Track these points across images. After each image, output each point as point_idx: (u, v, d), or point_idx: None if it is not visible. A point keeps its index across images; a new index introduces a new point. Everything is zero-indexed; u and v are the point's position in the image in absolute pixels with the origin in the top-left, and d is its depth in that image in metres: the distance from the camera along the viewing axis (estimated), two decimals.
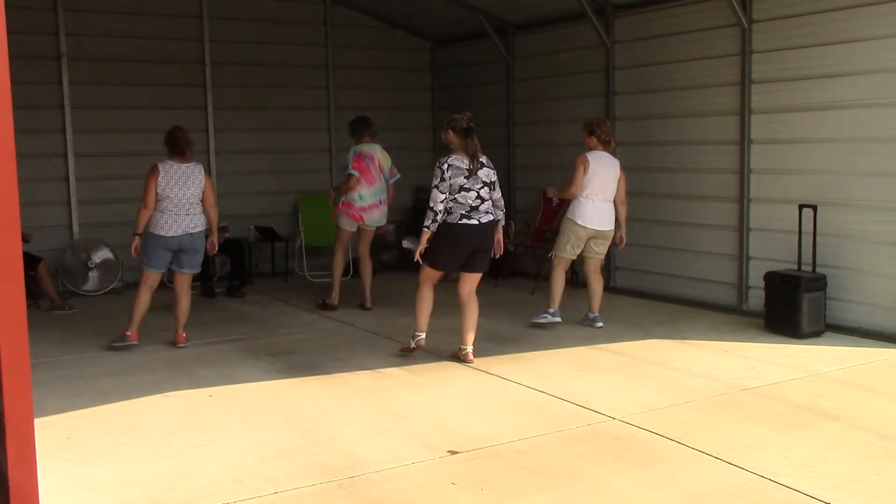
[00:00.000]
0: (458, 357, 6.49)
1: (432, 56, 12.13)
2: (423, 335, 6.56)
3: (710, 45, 8.24)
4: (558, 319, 7.50)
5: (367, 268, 8.56)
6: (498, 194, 6.46)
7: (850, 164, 7.17)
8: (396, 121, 11.47)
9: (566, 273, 7.68)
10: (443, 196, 6.24)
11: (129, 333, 6.94)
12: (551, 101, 10.17)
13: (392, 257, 11.20)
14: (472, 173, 6.27)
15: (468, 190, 6.26)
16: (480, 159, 6.34)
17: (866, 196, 7.05)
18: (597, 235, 7.48)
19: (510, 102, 10.77)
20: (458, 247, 6.37)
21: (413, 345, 6.57)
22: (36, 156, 9.25)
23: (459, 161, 6.28)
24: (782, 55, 7.62)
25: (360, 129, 8.45)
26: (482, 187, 6.31)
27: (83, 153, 9.84)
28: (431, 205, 6.31)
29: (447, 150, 6.47)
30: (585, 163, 7.40)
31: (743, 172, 8.01)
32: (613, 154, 7.64)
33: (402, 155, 10.50)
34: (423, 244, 6.38)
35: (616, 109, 9.31)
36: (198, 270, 7.16)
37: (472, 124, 6.34)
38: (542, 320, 7.49)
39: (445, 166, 6.26)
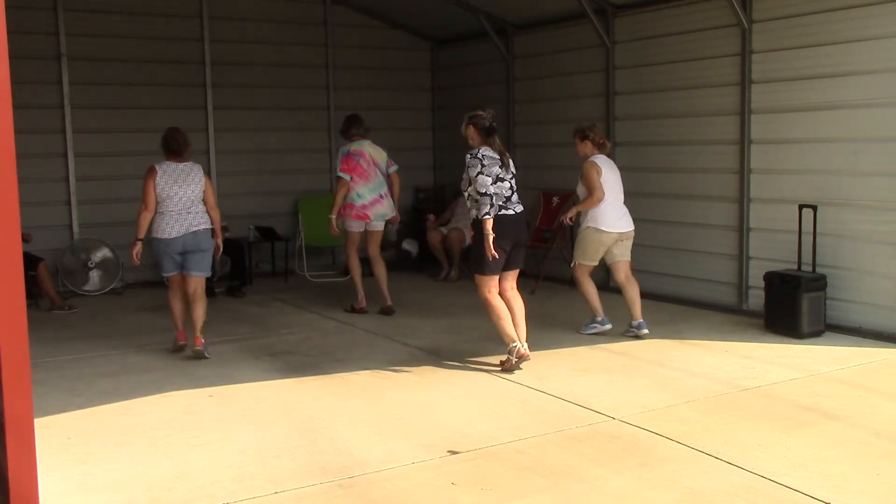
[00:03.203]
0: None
1: (432, 56, 12.13)
2: (518, 343, 6.19)
3: (710, 45, 8.23)
4: (608, 326, 7.28)
5: (380, 268, 8.37)
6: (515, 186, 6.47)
7: (849, 164, 7.16)
8: (396, 121, 11.47)
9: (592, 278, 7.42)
10: (490, 180, 6.12)
11: (177, 336, 6.94)
12: (551, 101, 10.16)
13: (389, 255, 11.17)
14: (505, 165, 6.30)
15: (503, 180, 6.24)
16: (505, 152, 6.40)
17: (866, 196, 7.05)
18: (621, 238, 7.26)
19: (510, 102, 10.76)
20: (503, 239, 6.18)
21: (514, 359, 6.17)
22: (36, 156, 9.26)
23: (491, 152, 6.26)
24: (782, 55, 7.62)
25: (348, 127, 8.42)
26: (512, 178, 6.34)
27: (83, 153, 9.84)
28: (483, 191, 6.10)
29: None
30: (597, 167, 7.18)
31: (743, 172, 8.01)
32: (609, 156, 7.57)
33: (402, 155, 10.49)
34: (491, 233, 6.08)
35: (616, 109, 9.31)
36: (208, 273, 6.91)
37: (495, 123, 6.31)
38: (592, 331, 7.30)
39: (481, 155, 6.19)
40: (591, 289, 7.34)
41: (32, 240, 8.12)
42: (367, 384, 5.97)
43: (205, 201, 6.82)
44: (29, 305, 6.95)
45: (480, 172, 6.13)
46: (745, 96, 7.93)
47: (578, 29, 9.53)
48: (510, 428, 4.97)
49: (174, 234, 6.65)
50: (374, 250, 8.45)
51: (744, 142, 7.98)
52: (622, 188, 7.38)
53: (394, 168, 8.42)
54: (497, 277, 6.30)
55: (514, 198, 6.33)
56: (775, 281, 7.22)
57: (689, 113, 8.52)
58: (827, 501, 3.91)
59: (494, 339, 6.92)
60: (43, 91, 9.55)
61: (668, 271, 8.86)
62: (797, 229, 7.32)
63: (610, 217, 7.20)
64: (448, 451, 4.60)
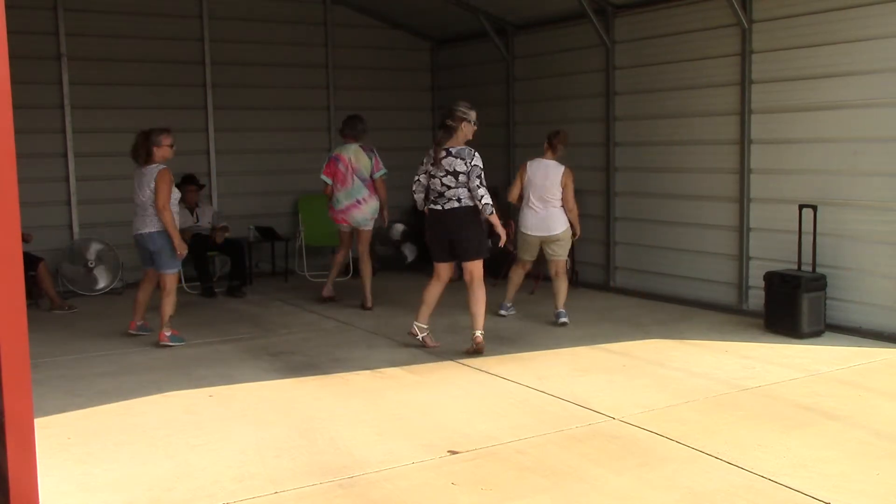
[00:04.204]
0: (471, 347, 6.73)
1: (432, 56, 12.13)
2: (418, 325, 6.86)
3: (710, 45, 8.24)
4: (513, 312, 8.03)
5: (366, 268, 8.58)
6: (474, 183, 6.59)
7: (849, 164, 7.16)
8: (396, 121, 11.48)
9: (526, 271, 8.11)
10: (416, 178, 6.84)
11: (130, 324, 7.41)
12: (551, 101, 10.16)
13: (388, 251, 11.18)
14: (436, 162, 6.65)
15: (433, 177, 6.72)
16: (449, 149, 6.64)
17: (866, 196, 7.06)
18: (546, 240, 7.75)
19: (510, 102, 10.76)
20: (432, 231, 6.80)
21: (414, 336, 6.90)
22: (36, 156, 9.25)
23: (432, 150, 6.79)
24: (782, 55, 7.62)
25: (343, 127, 8.63)
26: (445, 175, 6.64)
27: (83, 153, 9.83)
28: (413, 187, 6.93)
29: None
30: (521, 171, 7.84)
31: (743, 172, 8.01)
32: (560, 160, 7.77)
33: (402, 155, 10.53)
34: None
35: (616, 109, 9.31)
36: (170, 270, 7.09)
37: (447, 121, 6.66)
38: (502, 311, 8.00)
39: (427, 155, 6.82)
40: (515, 279, 8.02)
41: (32, 240, 8.12)
42: (367, 384, 5.97)
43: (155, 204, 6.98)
44: (29, 305, 6.99)
45: (417, 171, 6.84)
46: (744, 96, 7.93)
47: (578, 29, 9.53)
48: (510, 428, 4.97)
49: (134, 233, 7.13)
50: (362, 248, 8.66)
51: (744, 142, 7.98)
52: (554, 193, 7.66)
53: (379, 174, 8.48)
54: (442, 266, 6.85)
55: (450, 193, 6.65)
56: (775, 281, 7.22)
57: (689, 113, 8.52)
58: (827, 501, 3.91)
59: (495, 339, 6.94)
60: (43, 91, 9.54)
61: (668, 271, 8.86)
62: (797, 229, 7.32)
63: (527, 219, 7.83)
64: (448, 451, 4.60)
